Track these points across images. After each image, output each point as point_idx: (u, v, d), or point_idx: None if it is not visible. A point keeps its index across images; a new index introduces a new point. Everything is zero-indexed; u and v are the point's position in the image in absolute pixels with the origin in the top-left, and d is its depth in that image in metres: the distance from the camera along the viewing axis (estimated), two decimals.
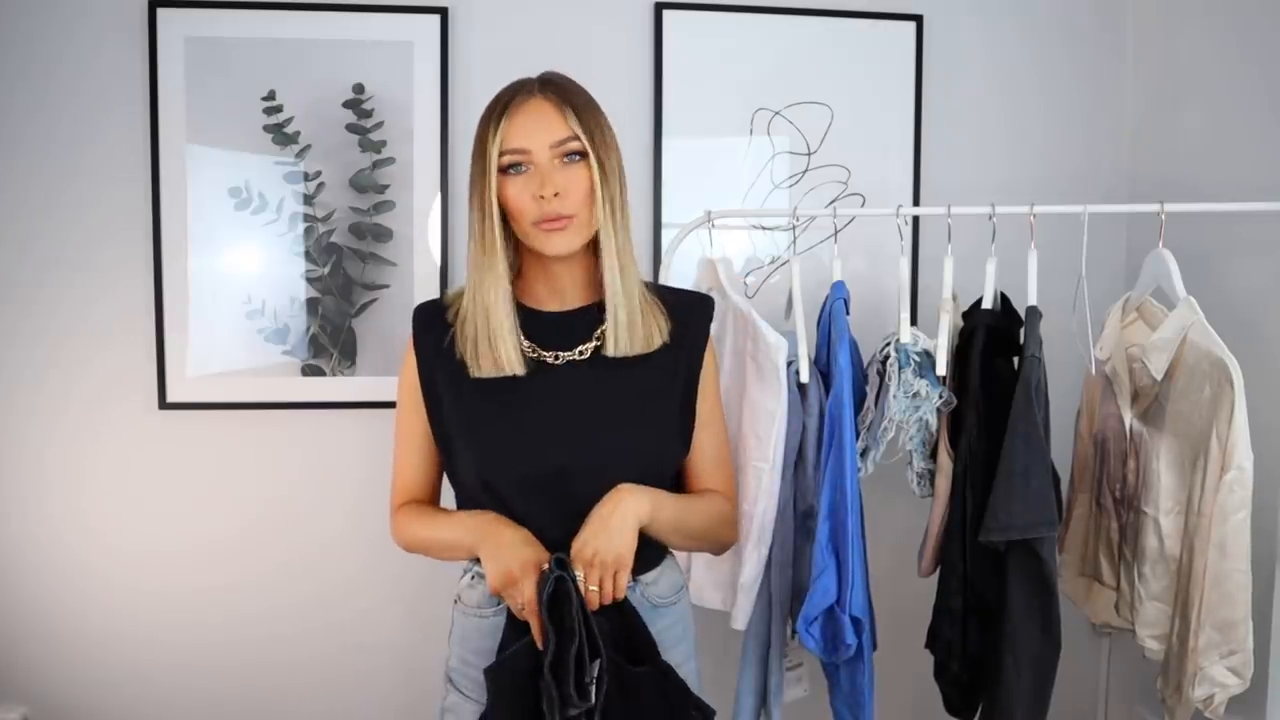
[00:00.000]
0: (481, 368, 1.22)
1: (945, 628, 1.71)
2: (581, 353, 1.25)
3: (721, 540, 1.39)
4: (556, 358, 1.25)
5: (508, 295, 1.23)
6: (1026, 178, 2.22)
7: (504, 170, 1.20)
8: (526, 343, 1.25)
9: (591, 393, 1.24)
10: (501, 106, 1.21)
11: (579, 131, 1.19)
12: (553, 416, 1.23)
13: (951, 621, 1.69)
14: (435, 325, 1.28)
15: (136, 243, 2.05)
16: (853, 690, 1.62)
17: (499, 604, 1.24)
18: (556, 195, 1.18)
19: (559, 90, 1.22)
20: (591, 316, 1.26)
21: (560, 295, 1.28)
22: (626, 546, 1.16)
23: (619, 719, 1.15)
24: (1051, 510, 1.56)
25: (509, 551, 1.17)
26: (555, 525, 1.19)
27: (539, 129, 1.19)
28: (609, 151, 1.22)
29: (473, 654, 1.28)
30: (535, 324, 1.27)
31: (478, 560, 1.26)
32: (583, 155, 1.20)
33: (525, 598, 1.14)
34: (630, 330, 1.23)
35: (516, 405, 1.23)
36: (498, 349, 1.21)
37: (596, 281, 1.27)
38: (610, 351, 1.23)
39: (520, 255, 1.28)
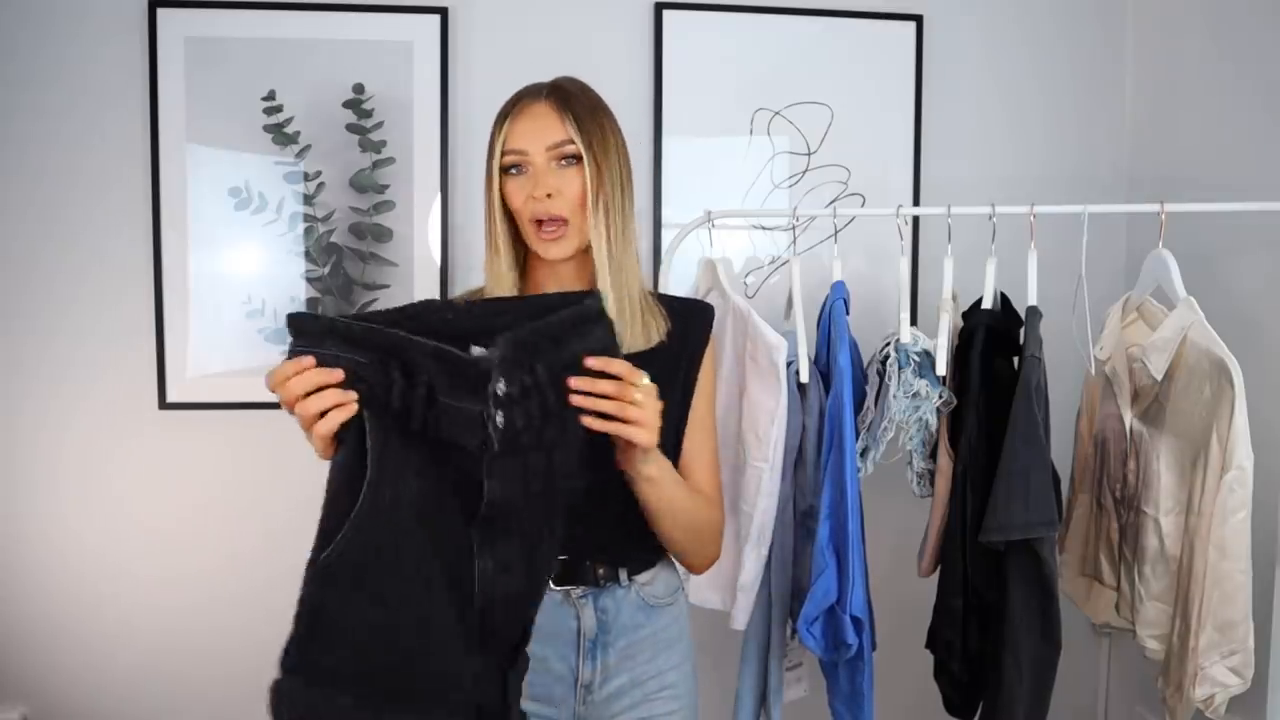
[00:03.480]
0: None
1: (945, 628, 1.71)
2: None
3: (705, 545, 1.31)
4: None
5: (513, 288, 1.26)
6: (1027, 177, 2.22)
7: (505, 170, 1.24)
8: None
9: None
10: (508, 109, 1.25)
11: (575, 136, 1.21)
12: None
13: (951, 622, 1.69)
14: None
15: (137, 243, 2.05)
16: (852, 690, 1.62)
17: None
18: (549, 196, 1.21)
19: (563, 95, 1.24)
20: None
21: (563, 290, 1.29)
22: (653, 417, 1.07)
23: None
24: (1052, 510, 1.56)
25: None
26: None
27: (537, 132, 1.22)
28: (608, 156, 1.23)
29: None
30: None
31: None
32: (578, 159, 1.22)
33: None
34: (626, 327, 1.23)
35: None
36: None
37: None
38: None
39: (529, 253, 1.30)
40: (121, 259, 2.05)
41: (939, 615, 1.73)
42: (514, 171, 1.23)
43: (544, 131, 1.22)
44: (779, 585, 1.70)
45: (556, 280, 1.29)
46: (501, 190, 1.24)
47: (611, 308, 1.21)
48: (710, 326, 1.36)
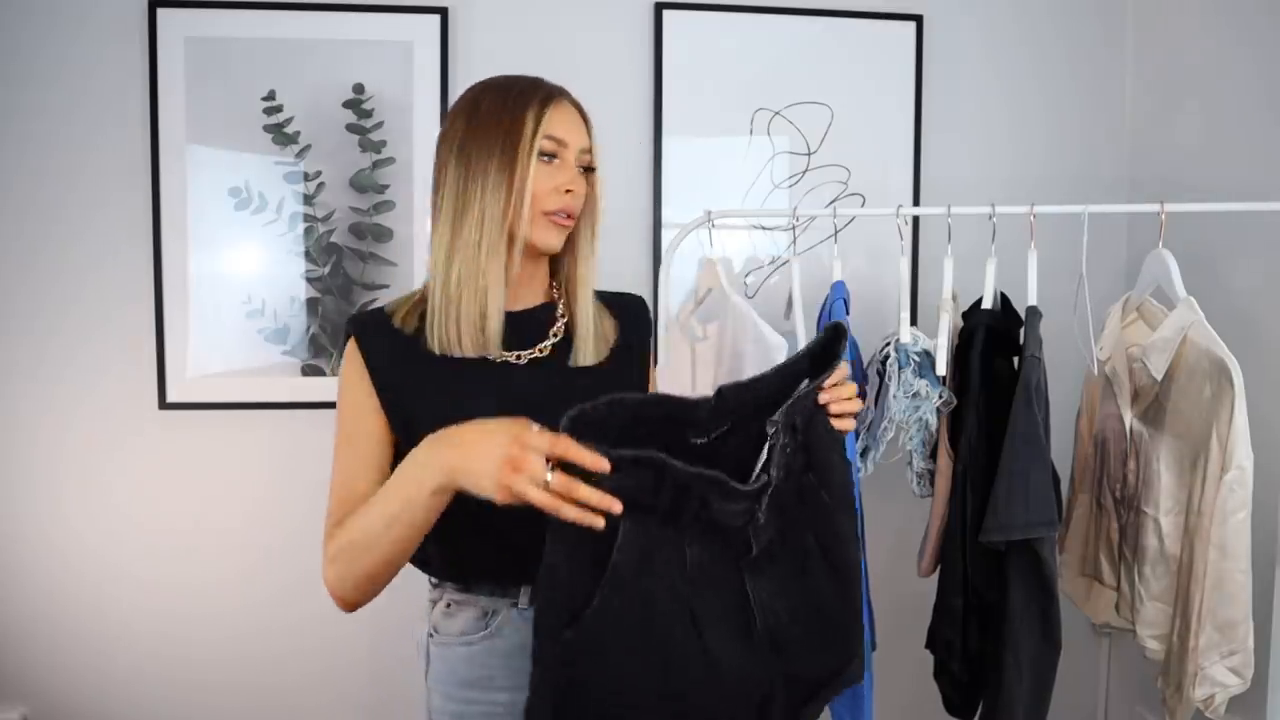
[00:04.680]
0: (464, 347, 1.17)
1: (945, 628, 1.71)
2: (542, 350, 1.23)
3: None
4: (519, 357, 1.22)
5: (503, 278, 1.18)
6: (1027, 177, 2.23)
7: (540, 154, 1.19)
8: None
9: (560, 390, 1.19)
10: (544, 96, 1.20)
11: (592, 148, 1.24)
12: (531, 409, 1.07)
13: (952, 621, 1.69)
14: (382, 330, 1.22)
15: (137, 243, 2.05)
16: (851, 690, 1.62)
17: (486, 628, 1.21)
18: (574, 194, 1.21)
19: (580, 107, 1.25)
20: (542, 317, 1.26)
21: (515, 295, 1.23)
22: None
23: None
24: (1052, 510, 1.56)
25: (489, 434, 0.99)
26: (533, 523, 1.04)
27: (575, 131, 1.22)
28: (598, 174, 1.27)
29: (459, 687, 1.23)
30: None
31: (454, 583, 1.23)
32: (592, 170, 1.24)
33: (540, 465, 0.95)
34: (596, 341, 1.25)
35: (496, 394, 1.19)
36: (489, 326, 1.17)
37: (547, 284, 1.29)
38: (577, 362, 1.23)
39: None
40: (121, 259, 2.05)
41: (939, 615, 1.73)
42: (547, 159, 1.19)
43: (579, 133, 1.22)
44: None
45: (525, 275, 1.24)
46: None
47: (587, 324, 1.24)
48: (650, 320, 1.36)
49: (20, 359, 2.05)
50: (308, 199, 2.07)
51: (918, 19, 2.18)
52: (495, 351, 1.19)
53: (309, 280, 2.08)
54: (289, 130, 2.05)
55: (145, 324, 2.06)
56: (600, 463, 0.94)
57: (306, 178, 2.07)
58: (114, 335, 2.06)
